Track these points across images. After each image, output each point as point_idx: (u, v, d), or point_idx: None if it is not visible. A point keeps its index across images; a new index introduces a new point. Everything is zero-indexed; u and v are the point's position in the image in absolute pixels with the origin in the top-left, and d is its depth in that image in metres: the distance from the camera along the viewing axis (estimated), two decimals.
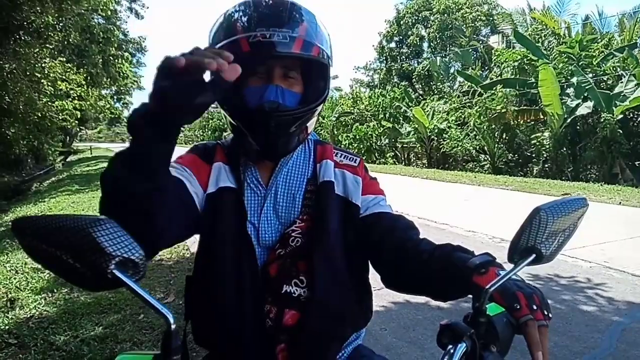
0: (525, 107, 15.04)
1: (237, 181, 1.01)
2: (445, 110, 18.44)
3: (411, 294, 1.02)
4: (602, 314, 3.33)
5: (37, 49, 11.61)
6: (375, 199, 1.04)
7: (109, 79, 20.50)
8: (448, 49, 25.92)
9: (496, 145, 16.11)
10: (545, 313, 0.68)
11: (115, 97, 27.25)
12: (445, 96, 20.40)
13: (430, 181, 12.43)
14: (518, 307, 0.67)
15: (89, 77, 17.58)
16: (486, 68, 20.74)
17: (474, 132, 16.56)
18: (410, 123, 19.18)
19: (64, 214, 0.53)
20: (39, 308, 3.39)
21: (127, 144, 0.77)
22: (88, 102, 17.80)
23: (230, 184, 1.00)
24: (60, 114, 15.14)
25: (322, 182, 1.03)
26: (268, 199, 1.01)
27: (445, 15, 27.30)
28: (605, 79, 13.58)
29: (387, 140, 20.83)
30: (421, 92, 25.76)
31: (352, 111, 22.12)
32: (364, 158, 1.15)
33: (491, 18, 25.13)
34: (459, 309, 3.07)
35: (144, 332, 2.98)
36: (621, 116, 12.50)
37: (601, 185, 10.73)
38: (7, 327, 3.06)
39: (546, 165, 15.01)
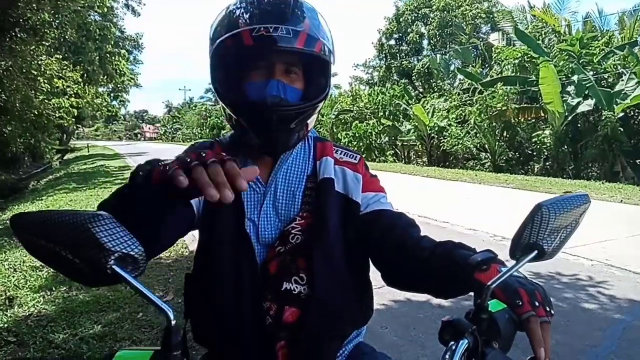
0: (525, 105, 15.04)
1: None
2: (446, 108, 18.42)
3: (412, 292, 1.02)
4: (604, 311, 3.34)
5: (33, 46, 11.57)
6: (376, 197, 1.04)
7: (105, 77, 20.49)
8: (448, 46, 25.90)
9: (497, 143, 16.10)
10: (548, 309, 0.68)
11: (112, 94, 27.21)
12: (446, 94, 20.39)
13: (430, 179, 12.42)
14: (520, 303, 0.67)
15: (85, 75, 17.57)
16: (486, 66, 20.74)
17: (475, 130, 16.56)
18: (410, 121, 19.17)
19: (63, 210, 0.52)
20: (37, 306, 3.39)
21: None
22: (85, 100, 17.76)
23: None
24: (57, 111, 15.10)
25: (322, 179, 1.02)
26: (268, 196, 1.01)
27: (445, 12, 27.28)
28: (606, 76, 13.58)
29: (387, 138, 20.81)
30: (421, 90, 25.75)
31: (352, 109, 22.10)
32: (363, 156, 1.15)
33: (491, 15, 25.12)
34: (460, 307, 3.07)
35: (143, 331, 2.98)
36: (622, 114, 12.51)
37: (602, 183, 10.74)
38: (5, 325, 3.06)
39: (547, 164, 15.00)
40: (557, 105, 12.95)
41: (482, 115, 15.59)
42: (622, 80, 12.93)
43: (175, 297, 3.52)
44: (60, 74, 14.17)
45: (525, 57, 15.18)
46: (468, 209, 7.66)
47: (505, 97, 14.85)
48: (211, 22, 1.01)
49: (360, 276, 1.04)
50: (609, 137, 12.46)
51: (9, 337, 2.87)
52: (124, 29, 26.08)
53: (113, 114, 32.85)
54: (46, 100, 14.03)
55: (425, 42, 29.95)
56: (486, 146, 16.52)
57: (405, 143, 20.46)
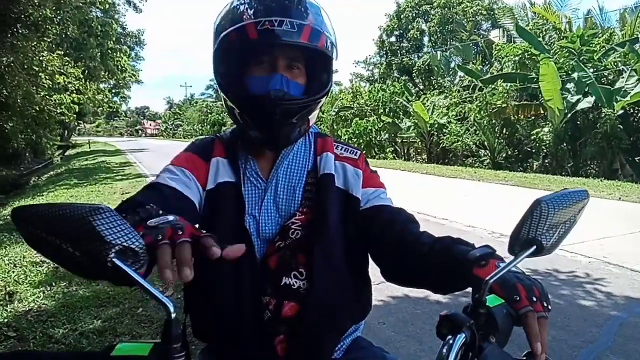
0: (525, 102, 15.02)
1: (235, 175, 1.01)
2: (446, 105, 18.40)
3: (411, 287, 1.02)
4: (601, 308, 3.35)
5: (35, 42, 11.56)
6: (376, 192, 1.04)
7: (107, 73, 20.48)
8: (448, 43, 25.84)
9: (496, 141, 16.10)
10: (545, 305, 0.68)
11: (113, 91, 27.18)
12: (446, 91, 20.36)
13: (430, 176, 12.43)
14: (518, 298, 0.67)
15: (86, 71, 17.55)
16: (487, 63, 20.70)
17: (474, 127, 16.54)
18: (410, 118, 19.14)
19: (64, 203, 0.52)
20: (37, 301, 3.40)
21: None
22: (86, 96, 17.75)
23: (229, 178, 1.01)
24: (58, 107, 15.09)
25: (322, 175, 1.03)
26: (268, 192, 1.01)
27: (446, 9, 27.21)
28: (606, 74, 13.56)
29: (386, 135, 20.79)
30: (421, 87, 25.72)
31: (352, 106, 22.07)
32: (363, 153, 1.15)
33: (492, 12, 25.02)
34: (458, 303, 3.08)
35: (142, 326, 2.99)
36: (622, 111, 12.49)
37: (601, 180, 10.75)
38: (6, 320, 3.06)
39: (546, 161, 15.00)
40: (557, 103, 12.93)
41: (482, 112, 15.58)
42: (623, 77, 12.91)
43: (175, 293, 3.52)
44: (62, 70, 14.15)
45: (526, 54, 15.15)
46: (467, 206, 7.67)
47: (505, 94, 14.84)
48: (214, 17, 1.02)
49: (360, 271, 1.05)
50: (608, 135, 12.45)
51: (9, 332, 2.88)
52: (126, 25, 26.07)
53: (114, 110, 32.79)
54: (47, 96, 14.02)
55: (425, 39, 29.89)
56: (485, 143, 16.51)
57: (405, 140, 20.43)
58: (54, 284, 3.73)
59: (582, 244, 4.82)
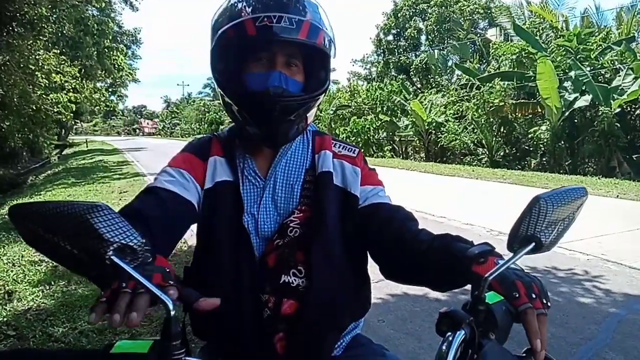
0: (523, 101, 15.04)
1: (233, 173, 1.01)
2: (443, 103, 18.40)
3: (410, 285, 1.02)
4: (599, 305, 3.36)
5: (31, 41, 11.52)
6: (374, 190, 1.04)
7: (103, 72, 20.41)
8: (446, 42, 25.86)
9: (494, 139, 16.12)
10: (544, 302, 0.68)
11: (110, 89, 27.11)
12: (443, 89, 20.38)
13: (428, 174, 12.43)
14: (517, 295, 0.67)
15: (83, 70, 17.50)
16: (484, 61, 20.72)
17: (472, 126, 16.56)
18: (408, 116, 19.15)
19: (62, 200, 0.52)
20: (36, 300, 3.39)
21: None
22: (83, 95, 17.71)
23: (227, 177, 1.00)
24: (55, 106, 15.03)
25: (320, 173, 1.03)
26: (267, 190, 1.01)
27: (443, 7, 27.22)
28: (603, 72, 13.59)
29: (384, 134, 20.80)
30: (419, 86, 25.72)
31: (350, 104, 22.07)
32: (361, 150, 1.15)
33: (489, 11, 25.05)
34: (457, 301, 3.09)
35: (142, 324, 2.98)
36: (619, 110, 12.52)
37: (599, 178, 10.77)
38: (5, 319, 3.06)
39: (544, 159, 15.04)
40: (554, 101, 12.96)
41: (480, 110, 15.59)
42: (619, 75, 12.94)
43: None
44: (58, 69, 14.12)
45: (523, 52, 15.17)
46: (465, 204, 7.68)
47: (503, 93, 14.85)
48: (210, 17, 1.01)
49: (359, 269, 1.05)
50: (605, 133, 12.48)
51: (8, 330, 2.88)
52: (122, 23, 25.99)
53: (111, 109, 32.76)
54: (44, 95, 13.96)
55: (423, 37, 29.89)
56: (483, 142, 16.53)
57: (403, 138, 20.45)
58: (53, 282, 3.72)
59: (580, 242, 4.83)
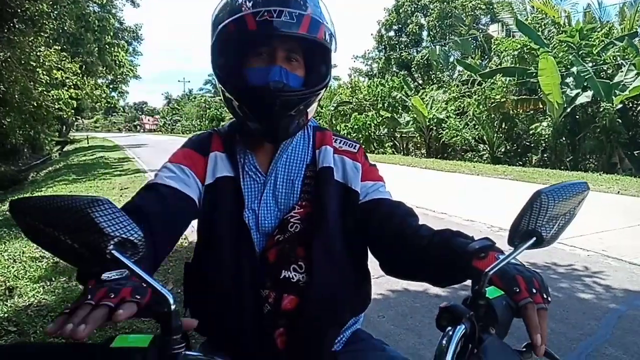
0: (524, 97, 15.01)
1: (234, 169, 1.01)
2: (445, 99, 18.37)
3: (410, 280, 1.02)
4: (599, 301, 3.36)
5: (32, 37, 11.50)
6: (375, 185, 1.04)
7: (105, 68, 20.40)
8: (447, 37, 25.76)
9: (495, 135, 16.10)
10: (545, 297, 0.68)
11: (111, 86, 27.10)
12: (445, 85, 20.32)
13: (429, 171, 12.42)
14: (517, 290, 0.67)
15: (84, 66, 17.48)
16: (486, 57, 20.64)
17: (473, 122, 16.53)
18: (409, 113, 19.12)
19: (62, 195, 0.52)
20: (37, 296, 3.40)
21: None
22: (84, 91, 17.69)
23: (228, 173, 1.00)
24: (56, 103, 15.05)
25: (321, 168, 1.03)
26: (268, 186, 1.01)
27: (445, 3, 27.10)
28: (605, 68, 13.54)
29: (385, 130, 20.78)
30: (420, 82, 25.65)
31: (351, 101, 22.03)
32: (362, 146, 1.15)
33: (491, 7, 24.94)
34: (457, 297, 3.09)
35: (142, 320, 2.99)
36: (620, 106, 12.49)
37: (600, 174, 10.75)
38: (6, 315, 3.07)
39: (545, 155, 15.01)
40: (556, 97, 12.92)
41: (481, 106, 15.56)
42: (622, 71, 12.89)
43: (175, 287, 3.53)
44: (59, 65, 14.09)
45: (525, 48, 15.12)
46: (466, 200, 7.68)
47: (504, 89, 14.81)
48: (210, 15, 1.01)
49: (359, 264, 1.05)
50: (607, 129, 12.46)
51: (9, 326, 2.89)
52: (123, 20, 25.94)
53: (112, 105, 32.77)
54: (45, 92, 13.96)
55: (424, 33, 29.78)
56: (484, 138, 16.51)
57: (404, 135, 20.43)
58: (53, 279, 3.73)
59: (581, 238, 4.83)
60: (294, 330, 0.94)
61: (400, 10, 29.92)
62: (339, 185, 1.02)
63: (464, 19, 25.33)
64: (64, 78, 14.79)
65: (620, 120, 12.41)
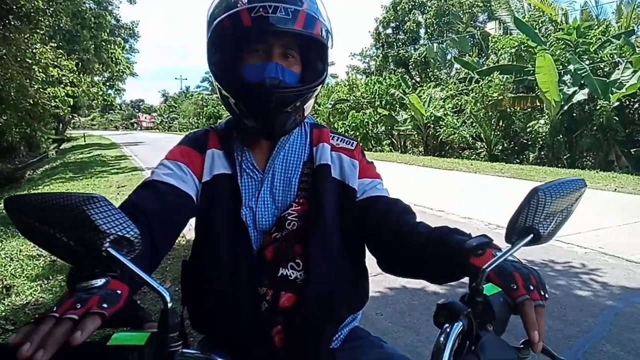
0: (522, 94, 15.01)
1: (231, 166, 1.01)
2: (442, 97, 18.37)
3: (407, 277, 1.02)
4: (596, 298, 3.37)
5: (28, 34, 11.43)
6: (372, 183, 1.04)
7: (101, 65, 20.32)
8: (445, 35, 25.76)
9: (492, 133, 16.11)
10: (542, 293, 0.67)
11: (107, 83, 26.98)
12: (442, 83, 20.34)
13: (426, 168, 12.44)
14: (515, 287, 0.67)
15: (80, 64, 17.40)
16: (483, 55, 20.66)
17: (471, 120, 16.54)
18: (407, 110, 19.11)
19: (57, 192, 0.52)
20: (34, 295, 3.39)
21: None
22: (80, 89, 17.62)
23: (225, 170, 1.00)
24: (53, 100, 14.96)
25: (318, 166, 1.02)
26: (265, 183, 1.01)
27: (442, 1, 27.08)
28: (602, 66, 13.55)
29: (383, 128, 20.76)
30: (418, 79, 25.64)
31: (348, 98, 22.00)
32: (360, 144, 1.15)
33: (488, 4, 24.90)
34: (455, 294, 3.10)
35: None
36: (617, 103, 12.50)
37: (597, 172, 10.79)
38: (3, 313, 3.07)
39: (542, 153, 15.04)
40: (553, 95, 12.93)
41: (478, 104, 15.57)
42: (618, 69, 12.91)
43: (173, 286, 3.53)
44: (56, 63, 14.02)
45: (522, 46, 15.12)
46: (463, 197, 7.69)
47: (502, 87, 14.82)
48: (206, 12, 1.00)
49: (356, 262, 1.05)
50: (604, 127, 12.47)
51: (6, 325, 2.89)
52: (120, 17, 25.80)
53: (109, 103, 32.65)
54: (41, 89, 13.88)
55: (422, 31, 29.76)
56: (482, 135, 16.52)
57: (402, 132, 20.42)
58: (51, 277, 3.73)
59: (578, 235, 4.84)
60: (291, 327, 0.93)
61: (398, 8, 29.88)
62: (336, 182, 1.02)
63: (462, 16, 25.32)
64: (60, 75, 14.72)
65: (617, 118, 12.43)
